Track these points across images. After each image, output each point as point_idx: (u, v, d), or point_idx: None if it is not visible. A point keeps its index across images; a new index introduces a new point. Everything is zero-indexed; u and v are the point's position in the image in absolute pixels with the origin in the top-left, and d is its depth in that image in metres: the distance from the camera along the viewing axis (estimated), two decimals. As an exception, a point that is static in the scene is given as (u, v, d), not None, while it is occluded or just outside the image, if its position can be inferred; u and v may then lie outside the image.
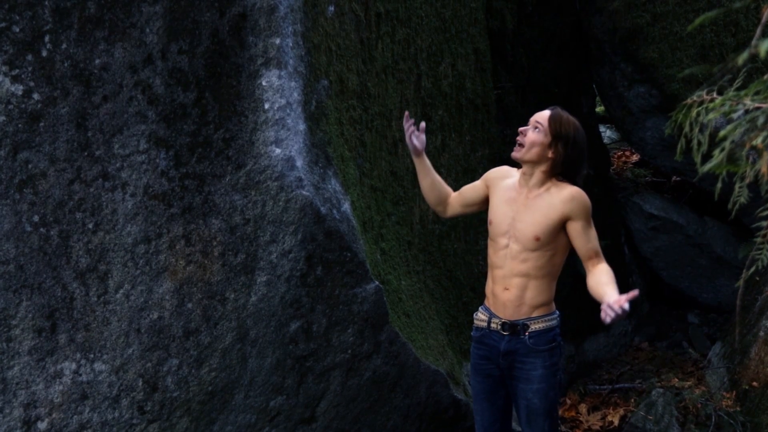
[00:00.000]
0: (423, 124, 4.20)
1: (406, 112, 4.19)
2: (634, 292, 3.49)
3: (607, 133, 10.37)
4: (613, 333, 7.57)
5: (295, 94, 3.97)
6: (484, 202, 4.23)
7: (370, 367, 4.39)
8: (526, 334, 3.98)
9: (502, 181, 4.11)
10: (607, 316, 3.49)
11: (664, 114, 6.89)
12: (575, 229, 3.92)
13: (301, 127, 3.98)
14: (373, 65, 4.75)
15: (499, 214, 4.03)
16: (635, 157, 9.72)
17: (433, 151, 5.30)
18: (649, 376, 6.72)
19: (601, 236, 7.20)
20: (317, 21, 4.18)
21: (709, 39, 6.83)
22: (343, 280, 4.15)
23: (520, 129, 3.96)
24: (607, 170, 8.18)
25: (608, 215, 7.71)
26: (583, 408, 6.38)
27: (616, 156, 9.96)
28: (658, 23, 6.95)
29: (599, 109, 9.48)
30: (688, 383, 6.34)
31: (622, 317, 3.51)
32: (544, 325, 3.99)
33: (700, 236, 8.06)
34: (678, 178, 8.57)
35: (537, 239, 3.90)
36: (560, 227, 3.92)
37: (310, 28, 4.10)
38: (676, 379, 6.48)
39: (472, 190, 4.27)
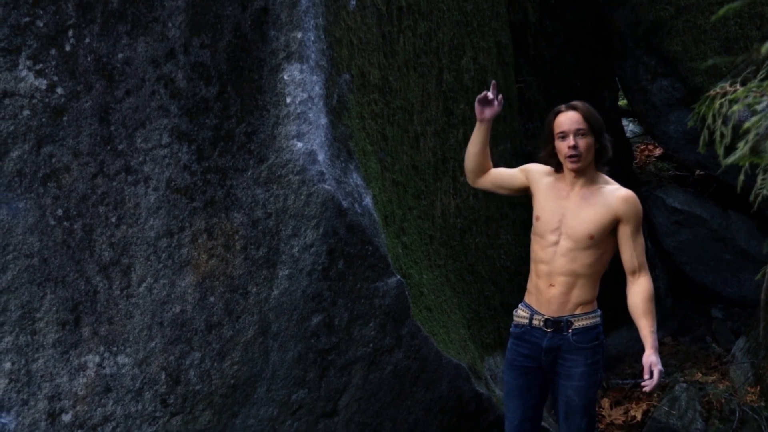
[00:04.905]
0: (501, 97, 4.19)
1: (494, 82, 4.21)
2: (655, 380, 3.82)
3: (630, 127, 10.31)
4: (636, 327, 7.52)
5: (317, 88, 3.97)
6: (517, 190, 4.20)
7: (391, 360, 4.39)
8: (570, 330, 3.96)
9: (545, 177, 4.08)
10: (647, 386, 3.81)
11: (687, 107, 6.84)
12: (624, 233, 3.90)
13: (323, 121, 3.98)
14: (395, 59, 4.74)
15: (548, 210, 4.00)
16: (658, 151, 9.67)
17: (455, 145, 5.29)
18: (672, 371, 6.68)
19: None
20: (339, 15, 4.17)
21: (733, 31, 6.78)
22: (365, 274, 4.15)
23: (566, 144, 3.90)
24: (630, 164, 8.14)
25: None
26: (605, 402, 6.36)
27: (639, 150, 9.91)
28: (682, 16, 6.91)
29: (622, 102, 9.44)
30: (712, 378, 6.31)
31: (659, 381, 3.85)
32: (588, 322, 3.98)
33: (724, 230, 8.00)
34: (701, 172, 8.50)
35: (591, 237, 3.88)
36: (613, 227, 3.90)
37: (331, 21, 4.10)
38: (700, 374, 6.45)
39: (508, 175, 4.25)
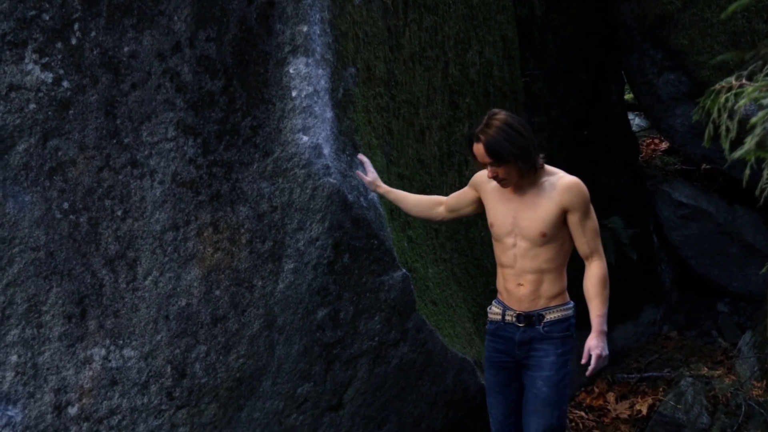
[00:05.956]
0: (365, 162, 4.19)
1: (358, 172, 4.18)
2: (592, 365, 3.88)
3: (636, 121, 10.28)
4: (641, 322, 7.53)
5: (323, 82, 3.97)
6: (475, 206, 4.19)
7: (397, 354, 4.39)
8: (542, 324, 3.97)
9: (491, 183, 4.06)
10: (590, 368, 3.89)
11: (693, 101, 6.80)
12: (573, 221, 3.89)
13: (329, 114, 3.98)
14: (401, 52, 4.74)
15: (499, 215, 4.00)
16: (664, 145, 9.64)
17: (460, 139, 5.29)
18: (678, 365, 6.68)
19: (630, 224, 7.14)
20: (344, 8, 4.17)
21: (740, 25, 6.75)
22: (370, 268, 4.16)
23: (489, 173, 3.89)
24: (635, 158, 8.12)
25: (637, 203, 7.66)
26: (611, 396, 6.36)
27: (645, 144, 9.88)
28: (689, 9, 6.88)
29: (628, 96, 9.41)
30: (718, 372, 6.29)
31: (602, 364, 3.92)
32: (560, 314, 3.99)
33: (730, 224, 7.98)
34: (708, 166, 8.49)
35: (544, 235, 3.88)
36: (563, 218, 3.89)
37: (337, 15, 4.10)
38: (706, 369, 6.44)
39: (459, 196, 4.26)
